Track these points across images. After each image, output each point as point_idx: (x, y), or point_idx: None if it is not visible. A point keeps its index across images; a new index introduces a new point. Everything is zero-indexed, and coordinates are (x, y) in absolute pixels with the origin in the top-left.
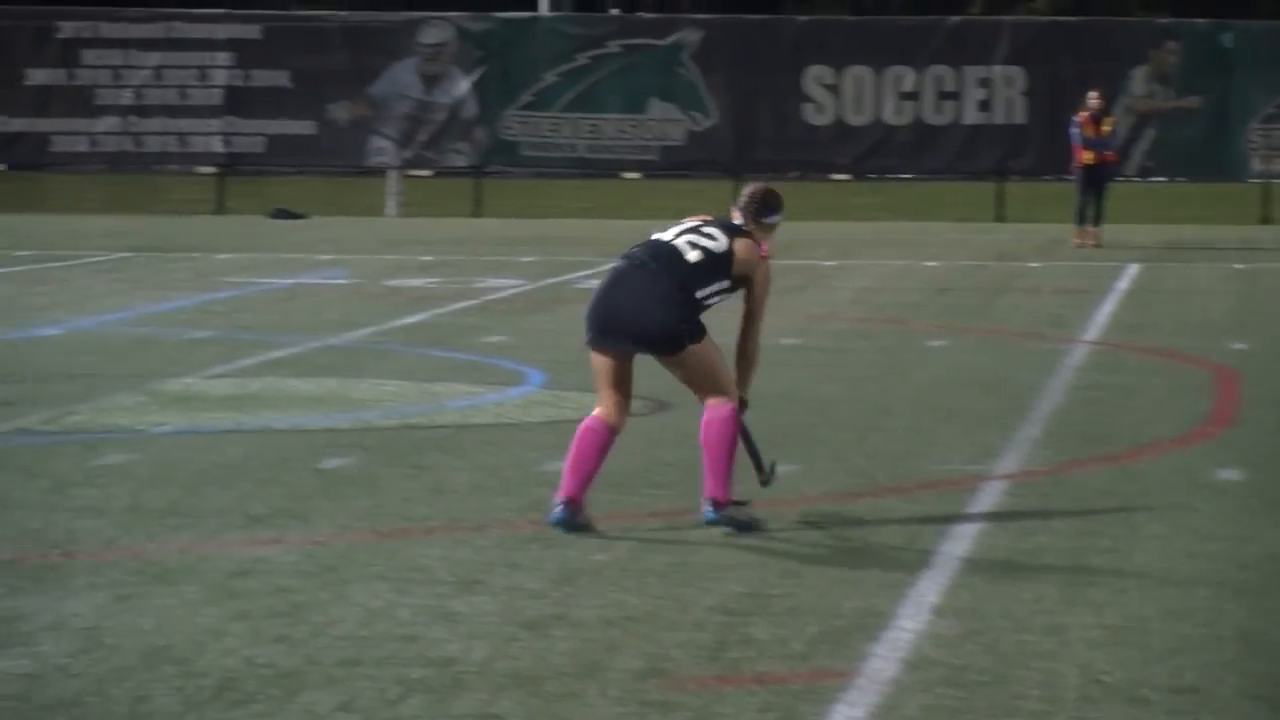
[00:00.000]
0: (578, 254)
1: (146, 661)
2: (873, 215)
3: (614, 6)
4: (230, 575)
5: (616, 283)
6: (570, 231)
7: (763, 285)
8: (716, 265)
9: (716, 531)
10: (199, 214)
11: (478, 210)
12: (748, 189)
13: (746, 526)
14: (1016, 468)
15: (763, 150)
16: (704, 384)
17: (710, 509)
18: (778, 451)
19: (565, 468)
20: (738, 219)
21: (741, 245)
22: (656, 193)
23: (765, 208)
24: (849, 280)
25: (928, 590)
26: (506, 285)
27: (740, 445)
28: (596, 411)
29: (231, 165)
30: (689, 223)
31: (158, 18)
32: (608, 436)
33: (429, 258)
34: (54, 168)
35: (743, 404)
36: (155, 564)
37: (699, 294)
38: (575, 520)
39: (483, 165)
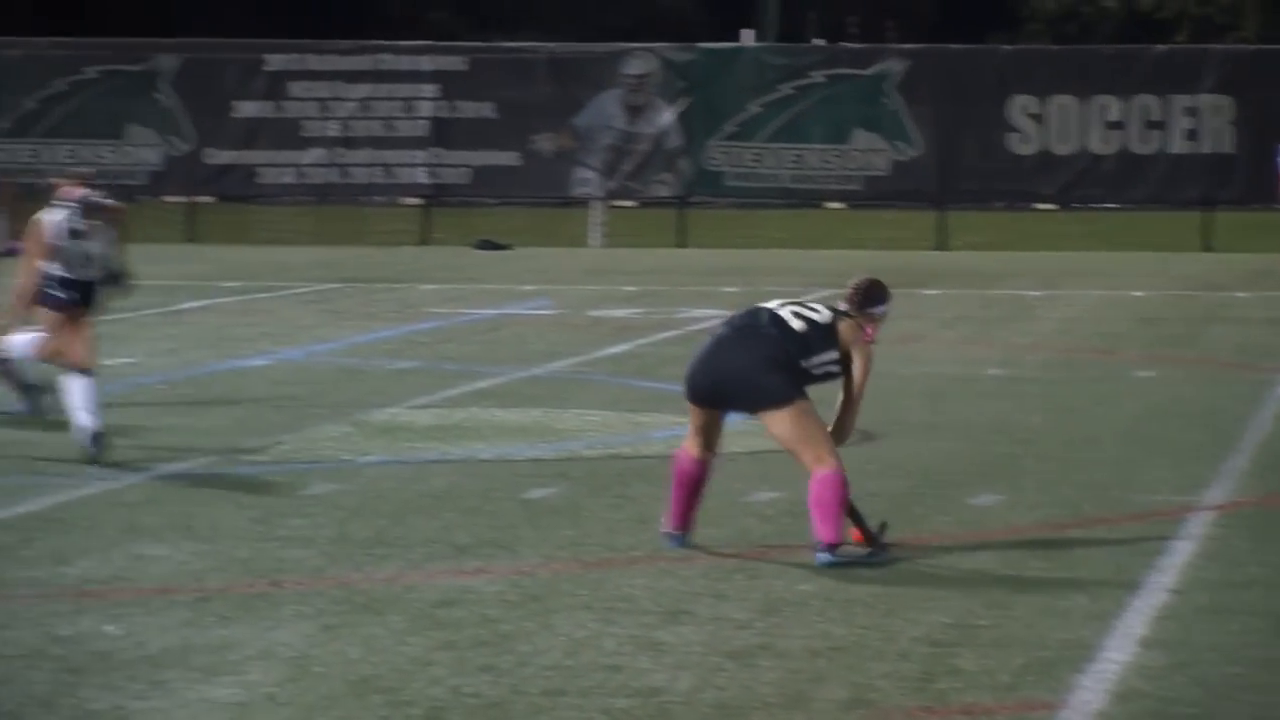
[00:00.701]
0: (781, 284)
1: (354, 690)
2: (1078, 245)
3: (818, 37)
4: (436, 605)
5: (716, 348)
6: (774, 261)
7: (863, 368)
8: (822, 336)
9: (922, 562)
10: (404, 245)
11: (681, 240)
12: (853, 281)
13: (869, 558)
14: (1225, 499)
15: (967, 180)
16: (804, 449)
17: (824, 553)
18: (984, 481)
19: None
20: (843, 308)
21: (845, 325)
22: (860, 223)
23: (870, 299)
24: (1055, 310)
25: (1135, 621)
26: (710, 315)
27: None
28: (685, 446)
29: (437, 196)
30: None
31: (364, 50)
32: (696, 468)
33: (633, 288)
34: (262, 199)
35: None
36: (362, 593)
37: (804, 363)
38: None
39: (686, 195)
